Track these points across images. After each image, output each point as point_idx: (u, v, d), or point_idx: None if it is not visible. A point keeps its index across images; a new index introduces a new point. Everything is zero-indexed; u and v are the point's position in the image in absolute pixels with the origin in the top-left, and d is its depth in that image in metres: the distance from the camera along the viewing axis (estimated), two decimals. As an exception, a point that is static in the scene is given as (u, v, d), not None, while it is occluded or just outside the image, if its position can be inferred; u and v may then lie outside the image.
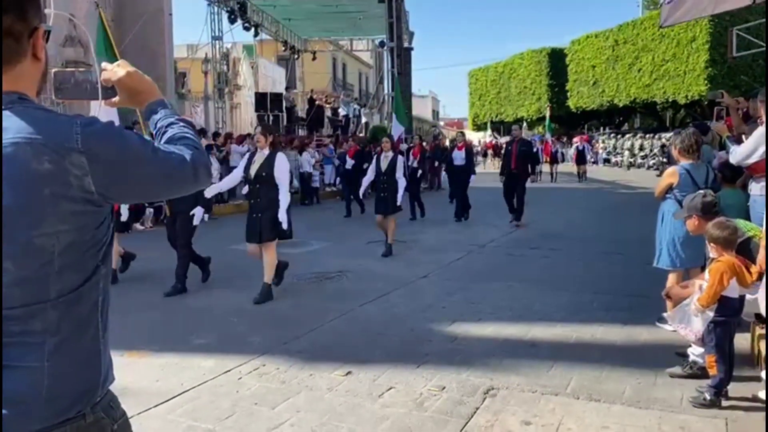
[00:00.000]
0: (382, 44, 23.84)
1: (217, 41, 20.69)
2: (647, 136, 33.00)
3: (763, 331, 4.21)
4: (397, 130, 14.40)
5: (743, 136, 5.28)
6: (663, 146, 27.67)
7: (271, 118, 21.54)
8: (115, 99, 1.53)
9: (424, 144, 20.81)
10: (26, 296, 1.19)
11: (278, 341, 5.03)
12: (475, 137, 47.07)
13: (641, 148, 32.43)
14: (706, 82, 28.39)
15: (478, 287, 6.86)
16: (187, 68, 21.79)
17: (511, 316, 5.71)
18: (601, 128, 42.80)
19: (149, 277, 7.42)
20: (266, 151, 6.32)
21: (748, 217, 4.77)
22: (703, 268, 4.29)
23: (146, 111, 1.54)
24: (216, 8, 20.59)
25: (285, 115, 22.25)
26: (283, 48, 27.67)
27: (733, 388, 3.78)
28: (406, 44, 22.80)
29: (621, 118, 42.88)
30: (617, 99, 35.56)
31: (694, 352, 4.12)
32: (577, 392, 3.95)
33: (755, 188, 4.96)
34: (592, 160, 33.48)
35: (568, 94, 40.01)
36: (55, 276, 1.21)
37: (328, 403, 3.84)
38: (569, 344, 4.96)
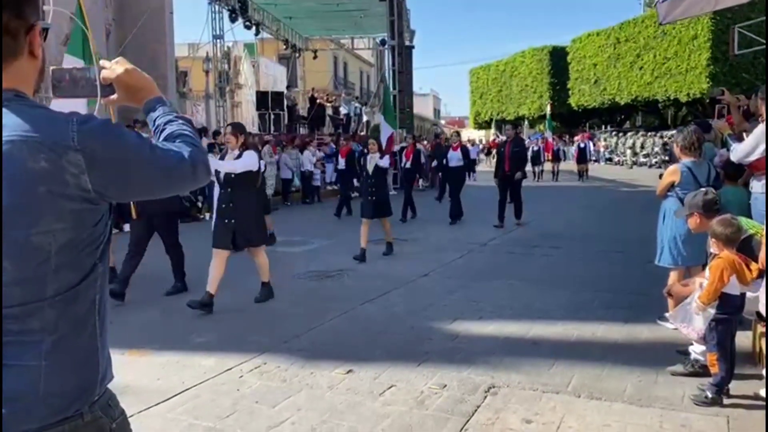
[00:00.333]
0: (383, 42, 23.81)
1: (218, 40, 20.68)
2: (649, 134, 33.00)
3: (765, 329, 4.20)
4: (386, 132, 13.84)
5: (744, 134, 5.26)
6: (665, 144, 27.67)
7: (272, 116, 21.54)
8: (114, 97, 1.52)
9: (424, 143, 20.80)
10: (23, 295, 1.18)
11: (279, 340, 5.03)
12: (477, 136, 47.08)
13: (643, 147, 32.41)
14: (707, 80, 28.35)
15: (479, 286, 6.86)
16: (188, 67, 21.77)
17: (512, 315, 5.71)
18: (603, 126, 42.77)
19: (149, 275, 7.41)
20: (237, 152, 5.99)
21: (749, 215, 4.75)
22: (704, 266, 4.28)
23: (145, 108, 1.54)
24: (217, 7, 20.58)
25: (286, 113, 22.22)
26: (284, 47, 27.65)
27: (735, 386, 3.78)
28: (407, 42, 22.77)
29: (622, 117, 42.85)
30: (619, 97, 35.52)
31: (696, 350, 4.12)
32: (578, 390, 3.95)
33: (756, 186, 4.95)
34: (594, 158, 33.44)
35: (570, 92, 39.99)
36: (52, 274, 1.20)
37: (328, 401, 3.84)
38: (570, 342, 4.95)
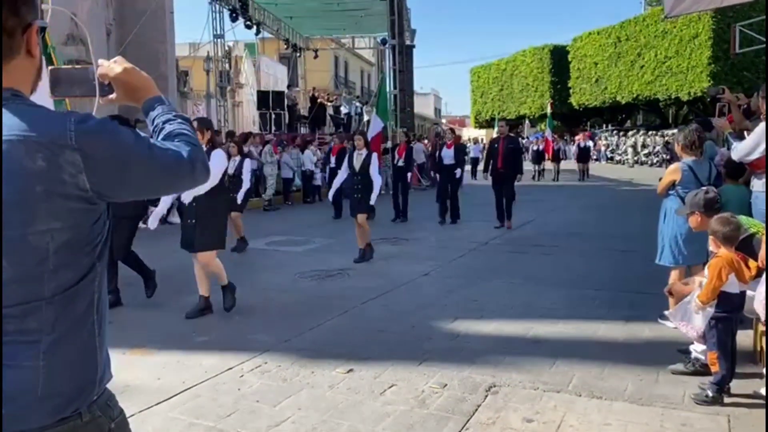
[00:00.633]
0: (383, 42, 23.79)
1: (218, 39, 20.67)
2: (650, 133, 32.98)
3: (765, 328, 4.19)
4: (376, 126, 12.78)
5: (745, 133, 5.25)
6: (666, 143, 27.63)
7: (273, 116, 21.54)
8: (113, 96, 1.51)
9: (425, 142, 20.73)
10: (21, 294, 1.18)
11: (280, 339, 5.03)
12: (478, 135, 47.06)
13: (644, 146, 32.39)
14: (708, 78, 28.30)
15: (480, 285, 6.85)
16: (189, 67, 21.76)
17: (513, 314, 5.71)
18: (604, 125, 42.76)
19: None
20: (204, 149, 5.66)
21: (749, 213, 4.75)
22: (705, 265, 4.27)
23: (144, 108, 1.53)
24: (217, 6, 20.57)
25: (287, 113, 22.22)
26: (285, 46, 27.65)
27: (736, 385, 3.77)
28: (407, 42, 22.77)
29: (623, 116, 42.83)
30: (620, 96, 35.50)
31: (696, 349, 4.12)
32: (579, 389, 3.94)
33: (757, 184, 4.94)
34: (595, 157, 33.41)
35: (571, 91, 39.97)
36: (50, 274, 1.20)
37: (329, 400, 3.84)
38: (571, 341, 4.95)
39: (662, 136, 30.55)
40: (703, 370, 4.00)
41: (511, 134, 13.21)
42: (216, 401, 3.86)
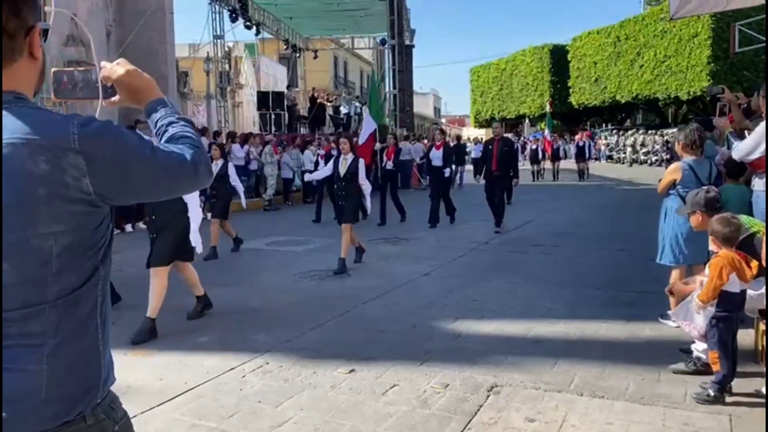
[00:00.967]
0: (383, 42, 23.82)
1: (218, 40, 20.70)
2: (649, 132, 32.98)
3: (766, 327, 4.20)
4: (368, 127, 11.90)
5: (746, 132, 5.25)
6: (666, 142, 27.63)
7: (273, 116, 21.56)
8: (115, 98, 1.51)
9: (424, 142, 20.73)
10: (24, 298, 1.18)
11: (281, 339, 5.03)
12: (478, 134, 47.07)
13: (643, 145, 32.39)
14: (708, 77, 28.33)
15: (481, 284, 6.85)
16: (188, 67, 21.77)
17: (514, 313, 5.71)
18: (603, 125, 42.77)
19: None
20: None
21: (750, 213, 4.75)
22: (706, 264, 4.27)
23: (146, 110, 1.52)
24: (217, 7, 20.59)
25: (287, 113, 22.24)
26: (285, 46, 27.68)
27: (738, 384, 3.77)
28: (407, 42, 22.78)
29: (623, 115, 42.85)
30: (619, 95, 35.52)
31: (698, 348, 4.11)
32: (580, 389, 3.94)
33: (758, 184, 4.93)
34: (594, 156, 33.40)
35: (570, 90, 39.99)
36: (53, 277, 1.20)
37: (331, 400, 3.84)
38: (572, 341, 4.95)
39: (662, 135, 30.55)
40: (704, 369, 4.00)
41: (507, 136, 13.01)
42: (218, 402, 3.87)
